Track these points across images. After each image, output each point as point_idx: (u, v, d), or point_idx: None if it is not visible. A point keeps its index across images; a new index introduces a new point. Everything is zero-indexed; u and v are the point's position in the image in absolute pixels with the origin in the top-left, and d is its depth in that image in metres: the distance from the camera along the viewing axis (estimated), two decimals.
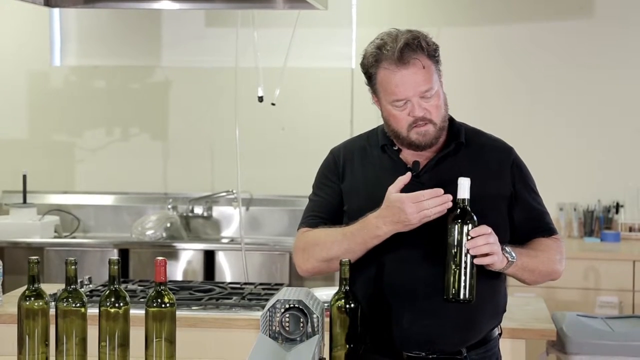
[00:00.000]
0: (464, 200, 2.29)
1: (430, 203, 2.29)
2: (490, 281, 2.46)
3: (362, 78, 2.50)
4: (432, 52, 2.41)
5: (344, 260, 2.31)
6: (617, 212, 5.30)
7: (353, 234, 2.40)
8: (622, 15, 5.34)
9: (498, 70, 5.43)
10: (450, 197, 2.30)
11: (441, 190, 2.31)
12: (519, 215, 2.50)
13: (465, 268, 2.26)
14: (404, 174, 2.43)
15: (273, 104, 4.57)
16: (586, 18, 5.34)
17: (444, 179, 2.42)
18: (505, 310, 2.58)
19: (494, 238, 2.29)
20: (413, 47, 2.38)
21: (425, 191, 2.31)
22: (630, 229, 5.31)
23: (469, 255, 2.26)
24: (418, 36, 2.40)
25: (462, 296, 2.27)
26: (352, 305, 2.29)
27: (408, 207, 2.30)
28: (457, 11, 5.42)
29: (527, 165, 2.58)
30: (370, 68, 2.43)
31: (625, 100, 5.36)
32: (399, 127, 2.43)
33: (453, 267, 2.27)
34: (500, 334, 2.59)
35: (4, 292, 3.51)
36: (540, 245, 2.50)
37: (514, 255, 2.37)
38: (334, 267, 2.43)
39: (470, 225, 2.27)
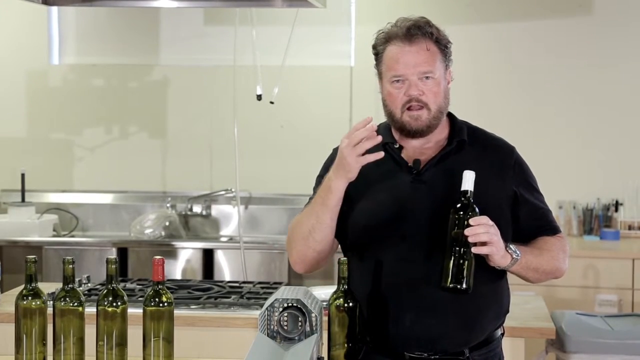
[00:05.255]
0: (467, 192, 2.29)
1: (357, 134, 2.28)
2: (493, 281, 2.45)
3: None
4: (441, 42, 2.42)
5: (341, 259, 2.30)
6: (616, 210, 5.30)
7: (315, 199, 2.42)
8: (622, 12, 5.33)
9: (497, 68, 5.43)
10: (371, 121, 2.29)
11: (370, 118, 2.31)
12: (523, 214, 2.49)
13: (464, 255, 2.26)
14: (406, 172, 2.43)
15: (272, 102, 4.56)
16: (585, 15, 5.34)
17: (445, 177, 2.42)
18: (508, 311, 2.56)
19: (494, 230, 2.28)
20: (422, 30, 2.40)
21: (358, 123, 2.30)
22: (630, 227, 5.31)
23: (468, 244, 2.26)
24: (429, 22, 2.43)
25: (458, 284, 2.26)
26: (351, 304, 2.29)
27: (342, 142, 2.31)
28: (457, 9, 5.41)
29: (527, 163, 2.58)
30: (379, 46, 2.44)
31: (624, 98, 5.35)
32: (393, 106, 2.42)
33: (451, 255, 2.26)
34: (503, 334, 2.58)
35: (2, 291, 3.51)
36: (544, 243, 2.49)
37: (518, 252, 2.36)
38: (314, 246, 2.41)
39: (471, 215, 2.27)
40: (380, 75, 2.47)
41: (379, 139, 2.29)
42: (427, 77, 2.39)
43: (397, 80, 2.40)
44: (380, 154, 2.30)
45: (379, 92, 2.50)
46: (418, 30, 2.39)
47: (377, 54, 2.46)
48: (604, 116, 5.36)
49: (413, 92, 2.38)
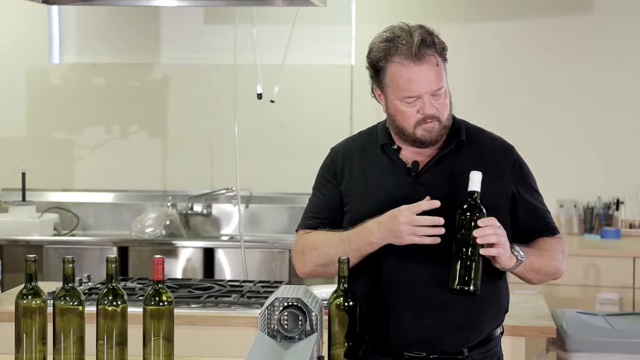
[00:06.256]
0: (474, 192, 2.28)
1: (422, 220, 2.28)
2: (492, 281, 2.44)
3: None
4: (441, 50, 2.40)
5: (342, 257, 2.30)
6: (617, 208, 5.30)
7: (349, 239, 2.40)
8: (622, 11, 5.32)
9: (498, 66, 5.42)
10: (442, 230, 2.29)
11: (438, 203, 2.29)
12: (522, 215, 2.49)
13: (472, 257, 2.25)
14: (404, 174, 2.42)
15: (272, 101, 4.56)
16: (586, 14, 5.33)
17: (444, 178, 2.42)
18: (507, 311, 2.56)
19: (502, 231, 2.28)
20: (428, 44, 2.36)
21: (423, 202, 2.30)
22: (631, 226, 5.30)
23: (476, 246, 2.25)
24: (432, 32, 2.39)
25: (466, 287, 2.24)
26: (351, 303, 2.28)
27: (402, 215, 2.30)
28: (457, 7, 5.41)
29: (527, 162, 2.57)
30: (379, 61, 2.39)
31: (625, 96, 5.35)
32: (405, 123, 2.41)
33: (459, 257, 2.25)
34: (502, 333, 2.58)
35: (3, 290, 3.51)
36: (544, 244, 2.48)
37: (522, 254, 2.36)
38: (331, 271, 2.43)
39: (479, 217, 2.26)
40: (382, 88, 2.43)
41: (441, 231, 2.29)
42: (438, 92, 2.39)
43: (410, 99, 2.38)
44: (437, 240, 2.30)
45: (373, 97, 2.49)
46: (426, 48, 2.35)
47: (377, 68, 2.40)
48: (605, 115, 5.36)
49: (429, 111, 2.37)
